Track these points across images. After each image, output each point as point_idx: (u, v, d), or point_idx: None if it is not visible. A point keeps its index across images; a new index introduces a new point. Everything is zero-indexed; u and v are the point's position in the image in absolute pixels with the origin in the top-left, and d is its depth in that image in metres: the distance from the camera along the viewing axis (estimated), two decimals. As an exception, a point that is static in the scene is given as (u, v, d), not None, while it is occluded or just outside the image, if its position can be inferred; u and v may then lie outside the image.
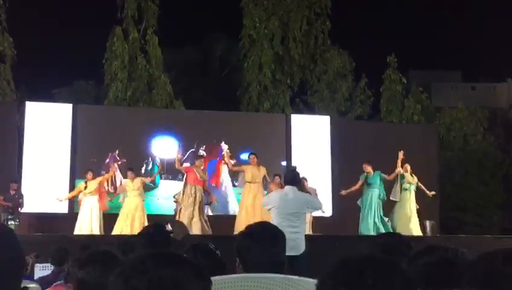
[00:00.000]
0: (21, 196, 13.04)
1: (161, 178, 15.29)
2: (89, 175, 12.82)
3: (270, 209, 7.21)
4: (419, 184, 13.56)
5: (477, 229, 21.17)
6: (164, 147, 15.52)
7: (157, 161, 15.23)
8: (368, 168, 12.81)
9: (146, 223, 12.00)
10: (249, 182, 12.33)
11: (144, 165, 15.22)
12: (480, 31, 59.38)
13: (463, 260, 1.65)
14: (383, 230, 12.16)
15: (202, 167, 12.44)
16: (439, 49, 58.66)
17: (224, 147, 15.38)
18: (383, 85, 22.70)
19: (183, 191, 12.14)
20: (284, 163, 15.77)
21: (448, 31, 57.33)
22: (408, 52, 45.82)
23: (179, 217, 11.82)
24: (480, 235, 17.12)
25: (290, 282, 2.31)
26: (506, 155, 25.90)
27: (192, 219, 11.77)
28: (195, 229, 11.65)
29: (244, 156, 14.49)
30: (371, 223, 12.58)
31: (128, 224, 12.19)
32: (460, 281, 1.59)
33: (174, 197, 13.59)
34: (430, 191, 13.75)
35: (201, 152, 15.05)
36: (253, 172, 12.30)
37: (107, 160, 14.97)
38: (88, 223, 12.47)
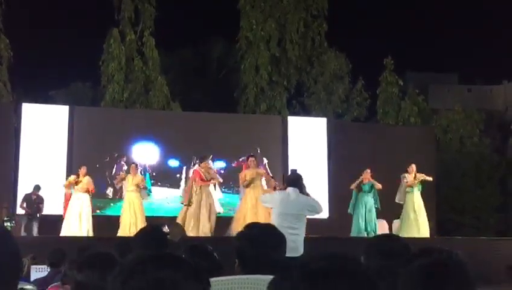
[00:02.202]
0: (41, 201, 13.03)
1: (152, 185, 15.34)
2: (83, 169, 12.52)
3: (270, 208, 7.23)
4: (424, 178, 13.18)
5: (474, 231, 21.18)
6: (156, 152, 15.55)
7: (147, 168, 15.28)
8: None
9: (144, 220, 12.04)
10: (251, 187, 11.78)
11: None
12: (476, 33, 59.53)
13: (457, 261, 1.67)
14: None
15: (206, 168, 12.18)
16: (436, 51, 58.82)
17: (265, 161, 15.39)
18: (379, 87, 22.73)
19: (189, 192, 12.02)
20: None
21: (444, 34, 57.48)
22: (405, 55, 45.98)
23: (182, 216, 11.81)
24: (476, 237, 17.13)
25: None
26: (503, 157, 25.94)
27: (198, 218, 11.71)
28: (202, 228, 11.61)
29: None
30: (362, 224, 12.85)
31: (134, 220, 12.09)
32: (454, 283, 1.60)
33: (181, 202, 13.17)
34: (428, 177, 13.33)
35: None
36: (253, 175, 11.87)
37: (114, 169, 14.99)
38: (77, 224, 12.19)
